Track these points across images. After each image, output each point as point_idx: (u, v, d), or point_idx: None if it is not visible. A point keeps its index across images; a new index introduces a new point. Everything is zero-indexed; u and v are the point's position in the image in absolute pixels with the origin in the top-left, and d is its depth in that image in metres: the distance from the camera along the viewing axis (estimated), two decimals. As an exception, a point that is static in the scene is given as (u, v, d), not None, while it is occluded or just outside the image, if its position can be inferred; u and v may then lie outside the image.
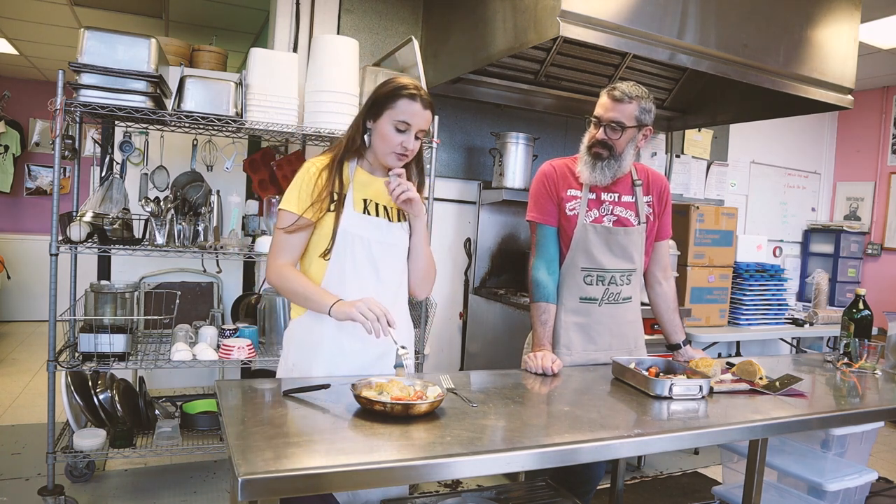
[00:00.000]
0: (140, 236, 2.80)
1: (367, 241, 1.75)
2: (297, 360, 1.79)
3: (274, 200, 2.97)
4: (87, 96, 2.48)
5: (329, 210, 1.73)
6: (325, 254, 1.73)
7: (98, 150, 3.49)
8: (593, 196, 2.11)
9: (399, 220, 1.83)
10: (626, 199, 2.13)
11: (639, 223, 2.13)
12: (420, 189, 1.87)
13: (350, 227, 1.73)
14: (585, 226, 2.08)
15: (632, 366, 1.90)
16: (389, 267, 1.79)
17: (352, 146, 1.78)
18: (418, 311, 3.12)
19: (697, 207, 3.86)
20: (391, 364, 1.78)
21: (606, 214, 2.11)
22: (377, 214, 1.78)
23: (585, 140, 2.11)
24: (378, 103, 1.74)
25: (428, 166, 2.88)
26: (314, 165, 1.76)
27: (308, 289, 1.70)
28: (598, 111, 2.06)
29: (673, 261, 3.66)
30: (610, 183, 2.09)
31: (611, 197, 2.12)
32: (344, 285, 1.73)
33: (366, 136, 1.77)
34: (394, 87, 1.72)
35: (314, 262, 1.76)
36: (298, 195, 1.73)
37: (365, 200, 1.78)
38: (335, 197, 1.73)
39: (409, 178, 1.85)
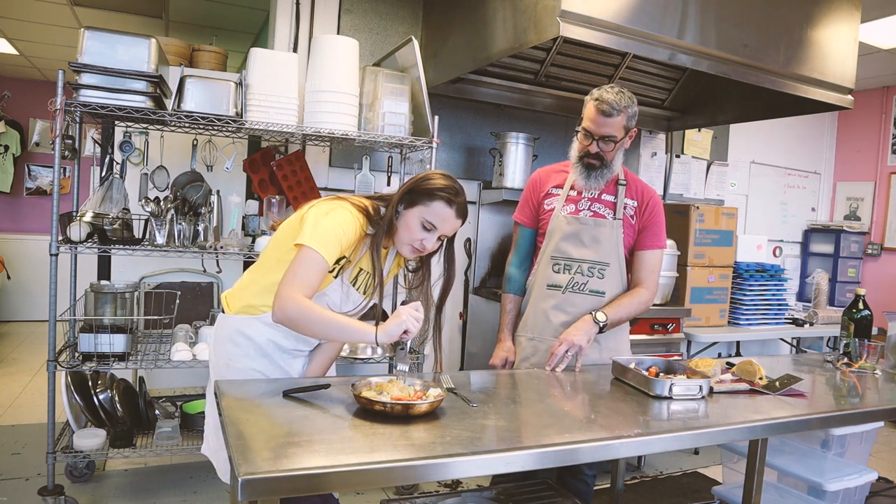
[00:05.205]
0: (140, 236, 2.80)
1: (336, 307, 1.76)
2: (231, 359, 1.75)
3: (274, 200, 2.96)
4: (87, 96, 2.48)
5: (329, 271, 1.68)
6: None
7: (98, 150, 3.49)
8: (574, 193, 2.20)
9: (370, 298, 1.83)
10: (607, 197, 2.19)
11: (614, 218, 2.17)
12: (448, 284, 1.82)
13: (332, 293, 1.74)
14: (559, 217, 2.20)
15: (632, 366, 1.90)
16: None
17: (387, 228, 1.74)
18: (418, 311, 3.12)
19: (697, 207, 3.86)
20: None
21: (584, 210, 2.18)
22: (357, 286, 1.80)
23: (576, 149, 2.16)
24: (414, 194, 1.72)
25: (428, 166, 2.88)
26: (359, 227, 1.70)
27: (343, 320, 1.61)
28: (588, 125, 2.09)
29: (673, 261, 3.65)
30: (603, 187, 2.18)
31: (591, 194, 2.19)
32: None
33: (394, 219, 1.74)
34: (434, 188, 1.70)
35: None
36: (339, 247, 1.65)
37: (361, 269, 1.79)
38: (347, 262, 1.72)
39: (423, 271, 1.86)
